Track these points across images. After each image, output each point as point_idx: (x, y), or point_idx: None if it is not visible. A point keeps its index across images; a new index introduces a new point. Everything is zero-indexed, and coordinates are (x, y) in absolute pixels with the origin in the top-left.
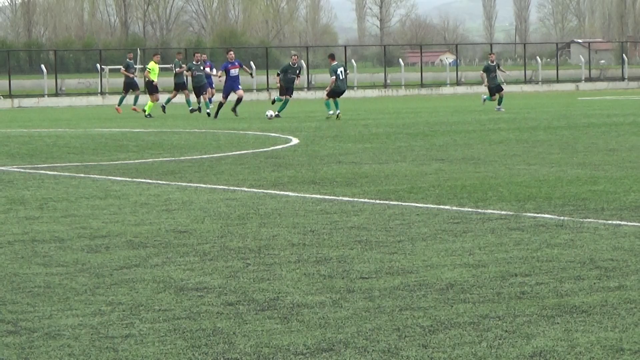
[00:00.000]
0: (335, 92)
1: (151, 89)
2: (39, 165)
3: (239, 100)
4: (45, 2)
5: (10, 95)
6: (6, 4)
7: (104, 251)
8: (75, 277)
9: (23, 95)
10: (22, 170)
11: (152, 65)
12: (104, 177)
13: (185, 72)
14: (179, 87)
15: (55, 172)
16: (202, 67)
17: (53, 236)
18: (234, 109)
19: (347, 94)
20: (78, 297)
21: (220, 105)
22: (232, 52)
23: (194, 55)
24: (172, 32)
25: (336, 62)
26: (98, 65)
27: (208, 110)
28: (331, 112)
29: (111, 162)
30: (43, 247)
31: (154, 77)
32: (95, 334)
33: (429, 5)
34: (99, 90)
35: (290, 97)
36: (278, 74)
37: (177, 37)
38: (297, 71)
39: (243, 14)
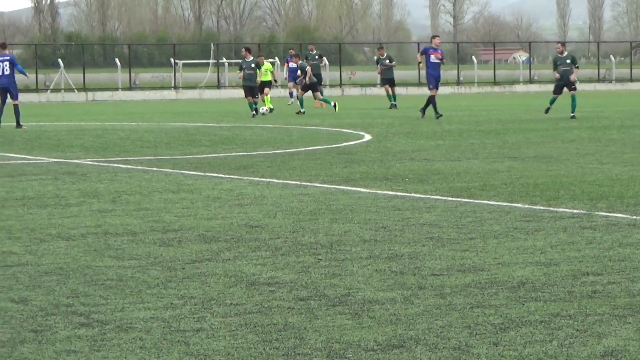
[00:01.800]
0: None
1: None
2: (112, 159)
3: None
4: None
5: (84, 88)
6: None
7: (176, 245)
8: (147, 270)
9: (97, 89)
10: (95, 163)
11: (267, 66)
12: (177, 171)
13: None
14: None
15: (129, 166)
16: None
17: (126, 229)
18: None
19: (421, 90)
20: (150, 291)
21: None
22: (292, 49)
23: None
24: (245, 27)
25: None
26: (172, 60)
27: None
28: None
29: (184, 156)
30: (116, 240)
31: (269, 77)
32: (167, 327)
33: (502, 2)
34: (172, 85)
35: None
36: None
37: (251, 32)
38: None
39: (316, 9)
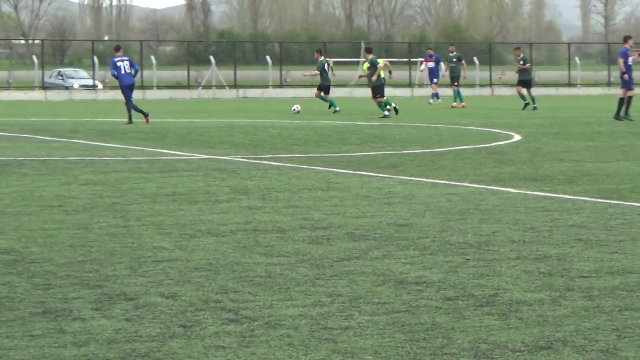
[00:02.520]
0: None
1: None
2: (262, 156)
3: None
4: None
5: (235, 85)
6: None
7: (324, 243)
8: (295, 267)
9: (248, 86)
10: (246, 160)
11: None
12: (327, 169)
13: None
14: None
15: (279, 163)
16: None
17: (275, 226)
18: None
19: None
20: (298, 288)
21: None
22: (430, 49)
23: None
24: (396, 26)
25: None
26: None
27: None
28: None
29: (333, 154)
30: (265, 237)
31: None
32: (315, 324)
33: None
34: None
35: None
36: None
37: (401, 31)
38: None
39: (467, 9)
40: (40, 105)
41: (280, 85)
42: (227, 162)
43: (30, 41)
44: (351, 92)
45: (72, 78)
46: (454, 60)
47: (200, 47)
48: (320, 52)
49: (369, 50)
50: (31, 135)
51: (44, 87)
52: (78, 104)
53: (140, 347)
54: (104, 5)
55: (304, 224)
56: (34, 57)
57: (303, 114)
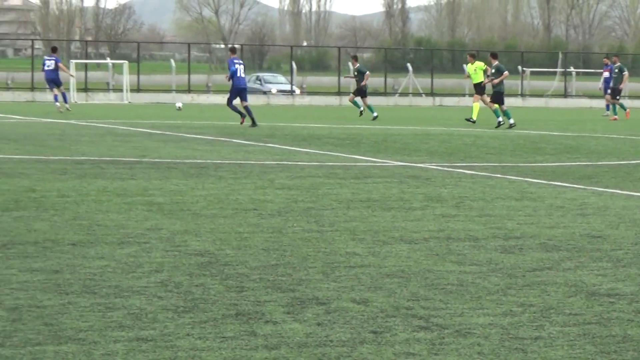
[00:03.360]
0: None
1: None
2: (456, 164)
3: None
4: (470, 2)
5: (432, 93)
6: (432, 3)
7: (517, 252)
8: (487, 276)
9: (444, 94)
10: (440, 168)
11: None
12: (521, 178)
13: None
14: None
15: (473, 172)
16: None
17: (468, 235)
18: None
19: None
20: (489, 297)
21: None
22: (606, 59)
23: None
24: (594, 37)
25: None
26: (519, 67)
27: None
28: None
29: (528, 164)
30: (457, 245)
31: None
32: (505, 334)
33: None
34: (520, 92)
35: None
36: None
37: (599, 41)
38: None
39: None
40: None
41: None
42: (422, 170)
43: (229, 46)
44: (547, 102)
45: (270, 83)
46: (616, 71)
47: (398, 55)
48: (356, 59)
49: (494, 56)
50: (228, 139)
51: None
52: (275, 108)
53: (331, 351)
54: (303, 11)
55: (496, 233)
56: None
57: (495, 121)
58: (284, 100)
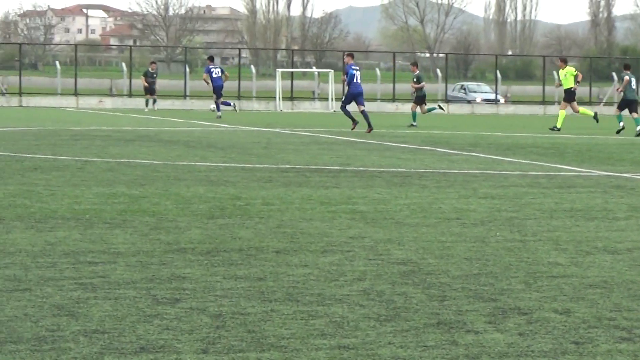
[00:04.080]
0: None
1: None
2: None
3: None
4: None
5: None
6: (638, 12)
7: None
8: None
9: None
10: None
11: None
12: None
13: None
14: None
15: None
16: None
17: None
18: None
19: None
20: None
21: None
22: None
23: None
24: None
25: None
26: None
27: None
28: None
29: None
30: None
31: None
32: None
33: None
34: None
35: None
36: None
37: None
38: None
39: None
40: (443, 118)
41: None
42: (626, 180)
43: (434, 54)
44: None
45: (475, 92)
46: None
47: (603, 64)
48: (416, 65)
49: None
50: (432, 148)
51: (447, 100)
52: (479, 117)
53: None
54: (508, 20)
55: None
56: (438, 70)
57: None
58: (488, 109)
